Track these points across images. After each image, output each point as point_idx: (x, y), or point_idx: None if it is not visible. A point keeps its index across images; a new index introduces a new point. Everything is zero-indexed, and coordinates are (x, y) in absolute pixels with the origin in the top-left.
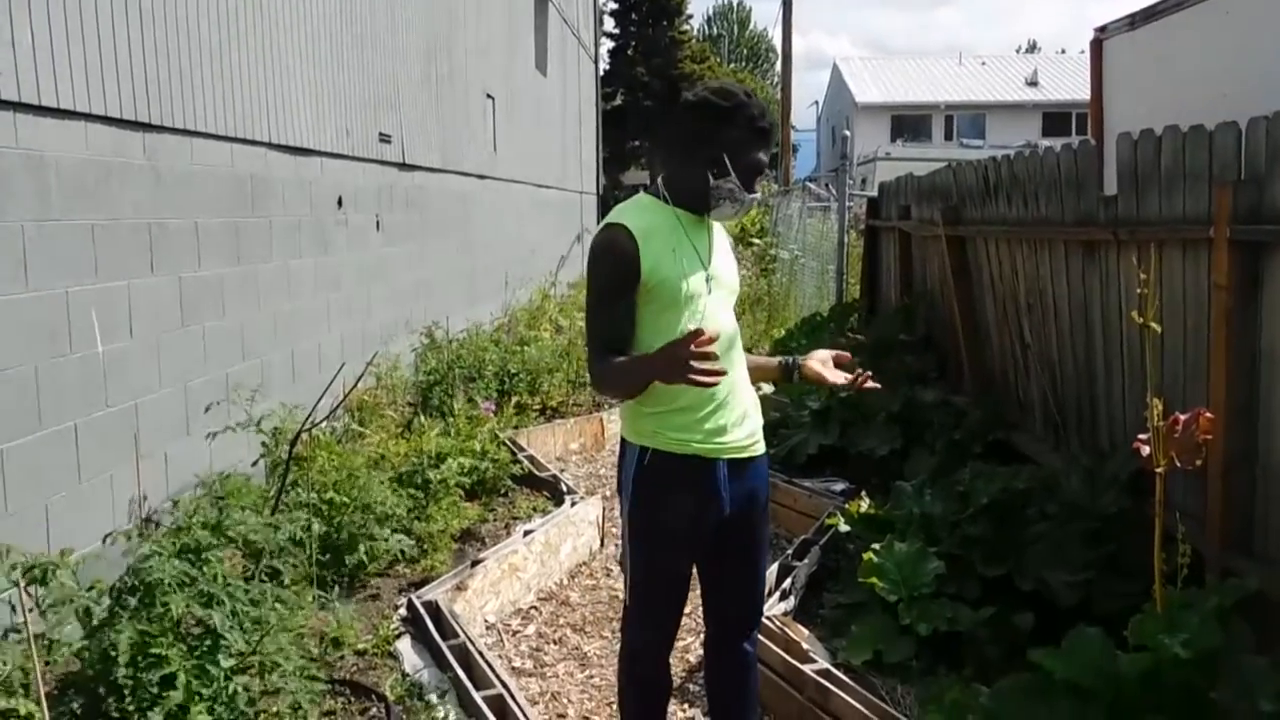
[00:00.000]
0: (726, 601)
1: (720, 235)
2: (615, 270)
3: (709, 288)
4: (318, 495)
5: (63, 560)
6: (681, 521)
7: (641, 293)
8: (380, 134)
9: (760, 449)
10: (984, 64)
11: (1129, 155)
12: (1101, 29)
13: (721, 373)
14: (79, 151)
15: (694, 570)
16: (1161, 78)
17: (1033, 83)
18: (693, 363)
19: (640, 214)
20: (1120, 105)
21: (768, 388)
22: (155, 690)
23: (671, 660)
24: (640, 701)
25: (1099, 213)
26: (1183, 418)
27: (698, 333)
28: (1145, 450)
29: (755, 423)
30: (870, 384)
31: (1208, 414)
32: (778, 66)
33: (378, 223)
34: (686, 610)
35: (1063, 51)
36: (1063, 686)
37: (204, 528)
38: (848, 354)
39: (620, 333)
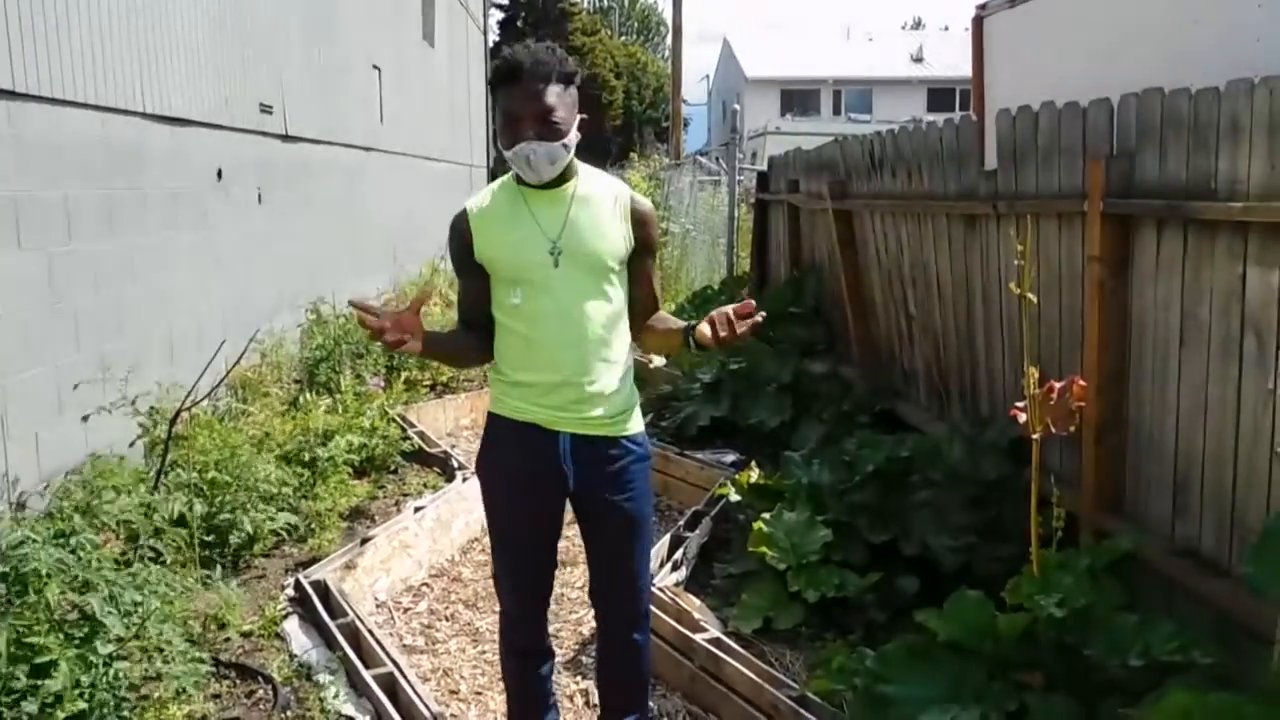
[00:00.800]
0: (602, 586)
1: (589, 205)
2: (454, 251)
3: (555, 260)
4: (199, 475)
5: None
6: (512, 485)
7: (485, 269)
8: (261, 104)
9: (620, 430)
10: (871, 40)
11: (1008, 130)
12: (982, 6)
13: (399, 342)
14: None
15: (551, 545)
16: (1040, 54)
17: (918, 59)
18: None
19: (487, 196)
20: (1001, 81)
21: (659, 360)
22: (29, 682)
23: (564, 632)
24: (513, 672)
25: (979, 186)
26: (1057, 385)
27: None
28: (1022, 417)
29: (616, 403)
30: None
31: (1081, 381)
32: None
33: (259, 195)
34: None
35: (947, 29)
36: (945, 647)
37: (77, 511)
38: (751, 302)
39: (467, 306)
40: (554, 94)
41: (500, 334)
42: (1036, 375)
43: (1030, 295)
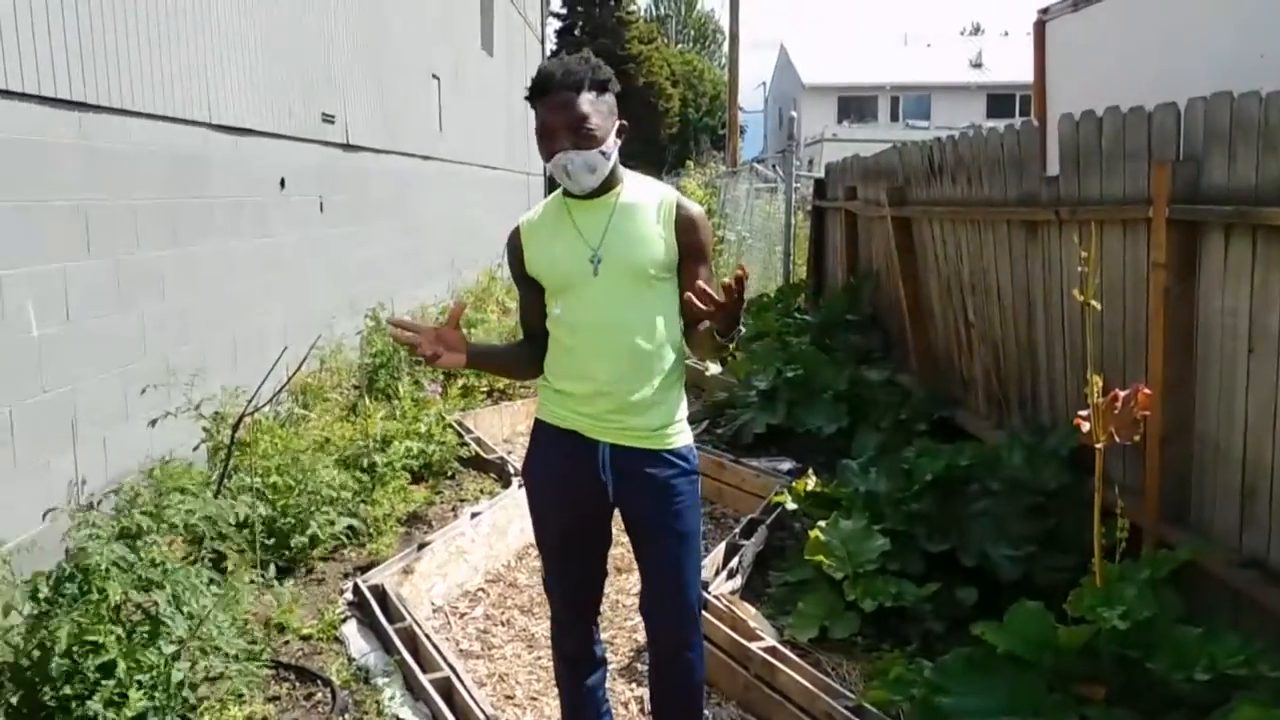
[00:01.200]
0: (650, 602)
1: (632, 213)
2: (510, 265)
3: (595, 269)
4: (261, 479)
5: None
6: (554, 492)
7: (538, 282)
8: (323, 114)
9: (663, 444)
10: (929, 46)
11: (1071, 135)
12: (1045, 10)
13: (435, 356)
14: (8, 131)
15: (596, 555)
16: (1103, 58)
17: (977, 64)
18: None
19: (539, 210)
20: (1063, 86)
21: (715, 367)
22: (95, 677)
23: (619, 639)
24: (564, 678)
25: (1041, 193)
26: (1121, 394)
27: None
28: (1085, 426)
29: (659, 415)
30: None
31: (1145, 390)
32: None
33: (321, 203)
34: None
35: (1007, 34)
36: (1004, 659)
37: (143, 513)
38: (740, 270)
39: (525, 318)
40: (587, 102)
41: (549, 343)
42: (1100, 383)
43: (1094, 302)
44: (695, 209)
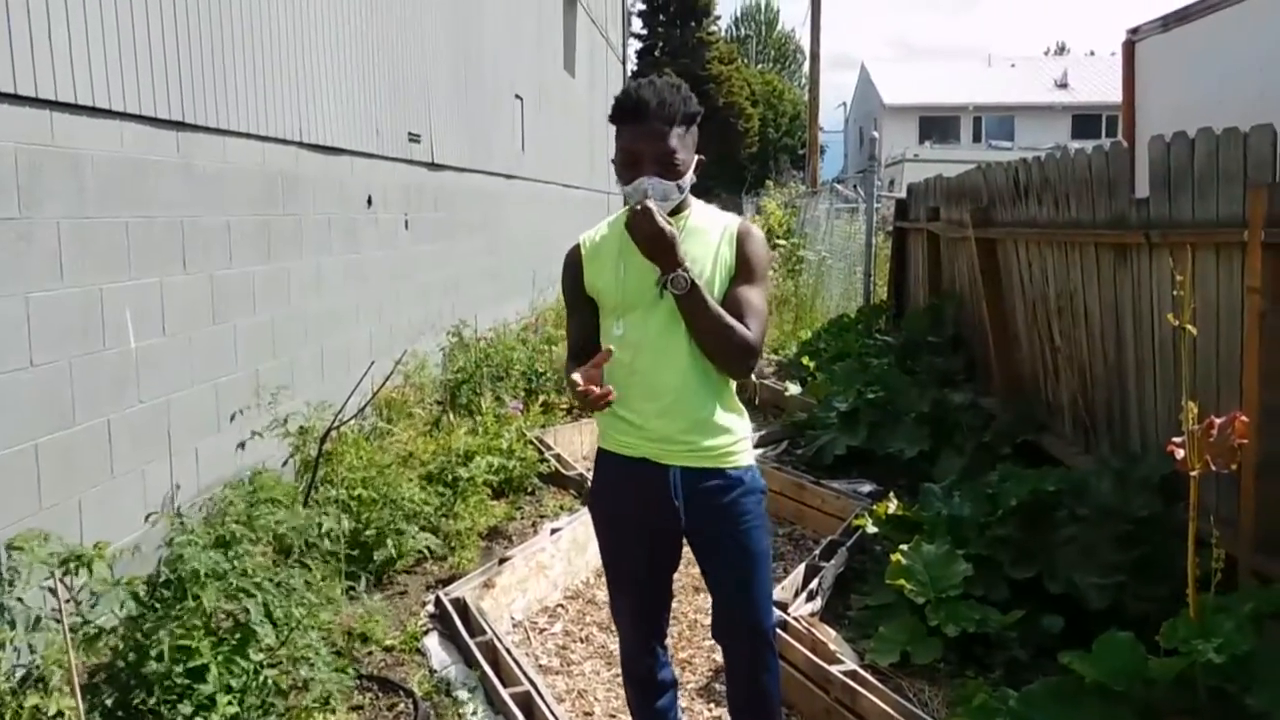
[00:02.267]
0: (723, 626)
1: (697, 237)
2: (565, 283)
3: (660, 292)
4: (346, 491)
5: (98, 552)
6: (624, 522)
7: (595, 301)
8: (410, 134)
9: (730, 462)
10: (1013, 66)
11: (1161, 157)
12: (1134, 30)
13: (600, 398)
14: (114, 149)
15: (663, 581)
16: (1194, 79)
17: (1062, 84)
18: (578, 389)
19: (602, 228)
20: (1152, 106)
21: (794, 388)
22: (185, 682)
23: (698, 659)
24: (633, 699)
25: (1131, 215)
26: (1218, 421)
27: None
28: (1180, 453)
29: (724, 434)
30: None
31: (1243, 417)
32: (805, 68)
33: (406, 221)
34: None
35: (1092, 53)
36: (1093, 690)
37: (236, 521)
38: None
39: (578, 338)
40: (676, 136)
41: (608, 370)
42: (1195, 409)
43: (1190, 327)
44: (753, 228)
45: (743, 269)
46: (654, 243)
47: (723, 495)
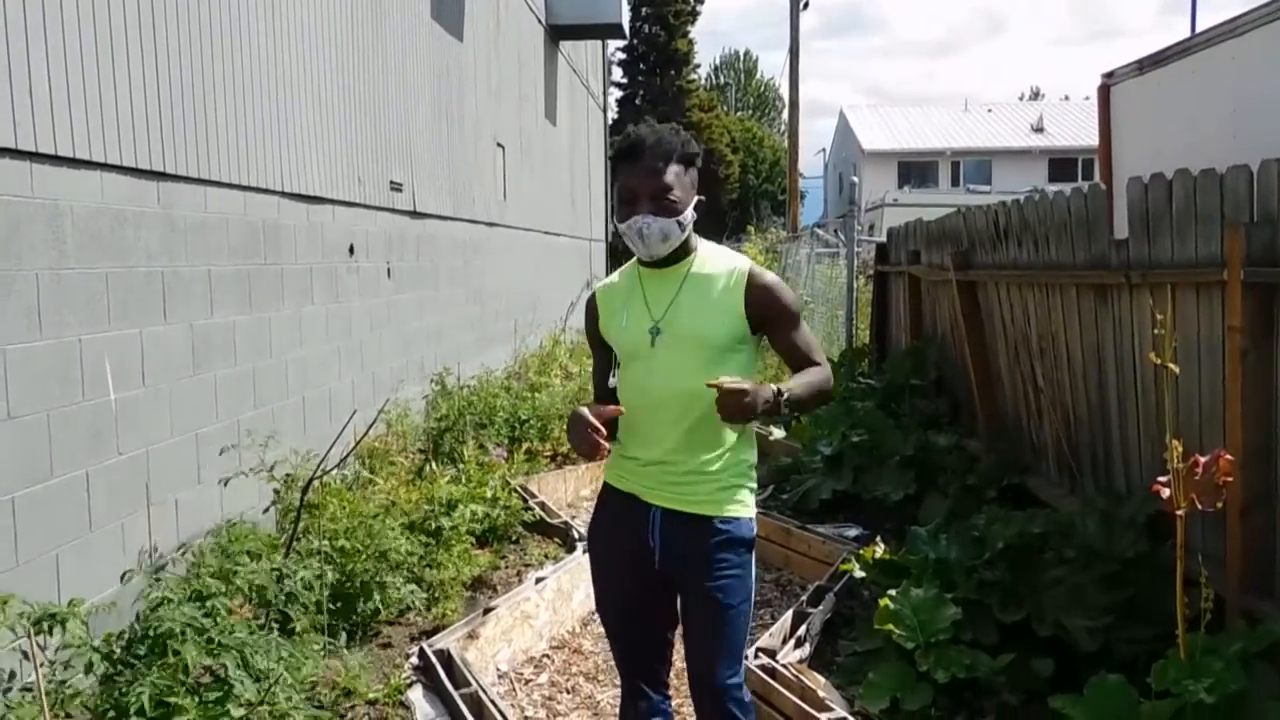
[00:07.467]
0: (690, 679)
1: (701, 285)
2: (587, 328)
3: (652, 340)
4: (329, 543)
5: (72, 610)
6: (605, 553)
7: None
8: (391, 182)
9: (717, 510)
10: (990, 111)
11: (1140, 198)
12: (1109, 74)
13: (596, 447)
14: (94, 200)
15: (647, 619)
16: (1170, 122)
17: (1038, 129)
18: (580, 438)
19: (615, 276)
20: (1129, 149)
21: (779, 433)
22: None
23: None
24: None
25: (1111, 256)
26: (1203, 460)
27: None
28: (1165, 492)
29: (715, 484)
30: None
31: (1227, 456)
32: (785, 114)
33: (389, 270)
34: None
35: (1067, 98)
36: None
37: (213, 576)
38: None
39: (598, 383)
40: (673, 174)
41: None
42: (1180, 448)
43: (1172, 365)
44: (769, 277)
45: (784, 318)
46: (746, 412)
47: (699, 542)
